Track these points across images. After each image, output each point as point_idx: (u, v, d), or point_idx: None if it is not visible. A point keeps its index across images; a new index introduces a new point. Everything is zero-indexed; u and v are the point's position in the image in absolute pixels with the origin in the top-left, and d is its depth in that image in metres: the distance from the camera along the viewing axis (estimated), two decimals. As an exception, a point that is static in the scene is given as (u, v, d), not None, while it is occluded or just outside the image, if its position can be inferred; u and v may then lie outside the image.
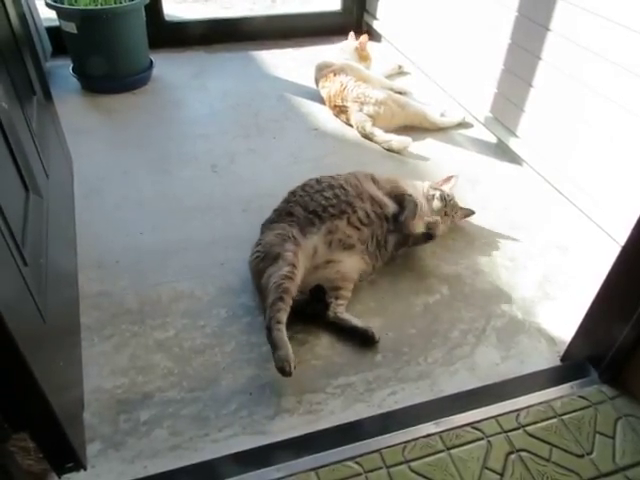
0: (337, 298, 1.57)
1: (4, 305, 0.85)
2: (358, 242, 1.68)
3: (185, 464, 1.21)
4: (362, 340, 1.51)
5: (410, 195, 1.81)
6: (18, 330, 0.88)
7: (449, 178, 2.03)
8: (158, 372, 1.42)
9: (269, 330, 1.39)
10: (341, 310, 1.55)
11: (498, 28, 2.29)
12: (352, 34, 2.92)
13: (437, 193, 1.91)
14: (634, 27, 1.67)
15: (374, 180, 1.86)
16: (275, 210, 1.77)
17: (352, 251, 1.67)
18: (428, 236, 1.75)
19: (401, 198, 1.80)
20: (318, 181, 1.79)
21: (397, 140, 2.36)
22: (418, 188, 1.95)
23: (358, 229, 1.69)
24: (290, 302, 1.45)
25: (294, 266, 1.51)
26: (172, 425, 1.30)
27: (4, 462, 1.00)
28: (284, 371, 1.32)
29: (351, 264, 1.66)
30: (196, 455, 1.24)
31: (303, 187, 1.79)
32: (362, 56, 2.84)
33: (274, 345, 1.36)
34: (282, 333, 1.38)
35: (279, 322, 1.40)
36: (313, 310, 1.55)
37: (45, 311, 1.10)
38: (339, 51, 2.84)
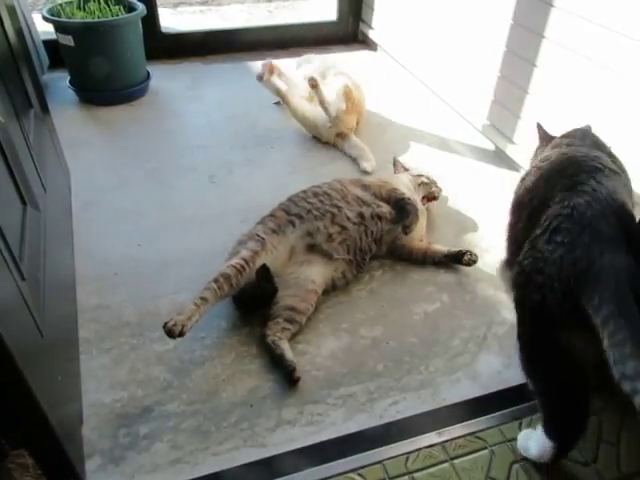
0: (290, 322, 1.52)
1: (1, 319, 0.85)
2: (339, 247, 1.67)
3: (186, 478, 1.20)
4: (284, 374, 1.43)
5: (409, 198, 1.83)
6: (15, 344, 0.87)
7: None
8: (158, 385, 1.41)
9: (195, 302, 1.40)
10: (282, 336, 1.49)
11: (494, 36, 2.30)
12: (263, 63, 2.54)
13: (423, 179, 2.04)
14: (628, 33, 1.68)
15: (362, 184, 1.88)
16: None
17: (329, 259, 1.66)
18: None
19: (401, 203, 1.81)
20: (304, 191, 1.82)
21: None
22: (406, 182, 1.99)
23: (345, 228, 1.69)
24: (226, 288, 1.46)
25: (245, 261, 1.52)
26: (172, 439, 1.28)
27: (2, 479, 0.99)
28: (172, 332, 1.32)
29: (322, 273, 1.64)
30: (197, 469, 1.22)
31: (289, 197, 1.81)
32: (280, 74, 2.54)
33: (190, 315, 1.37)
34: (199, 309, 1.39)
35: (202, 298, 1.41)
36: (262, 291, 1.54)
37: (43, 325, 1.09)
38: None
